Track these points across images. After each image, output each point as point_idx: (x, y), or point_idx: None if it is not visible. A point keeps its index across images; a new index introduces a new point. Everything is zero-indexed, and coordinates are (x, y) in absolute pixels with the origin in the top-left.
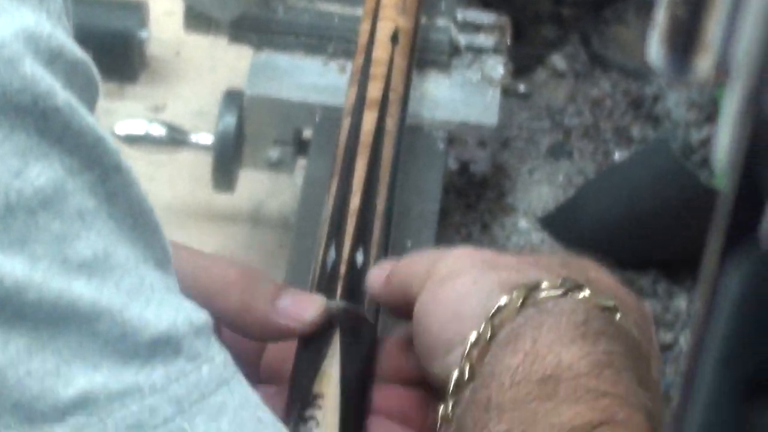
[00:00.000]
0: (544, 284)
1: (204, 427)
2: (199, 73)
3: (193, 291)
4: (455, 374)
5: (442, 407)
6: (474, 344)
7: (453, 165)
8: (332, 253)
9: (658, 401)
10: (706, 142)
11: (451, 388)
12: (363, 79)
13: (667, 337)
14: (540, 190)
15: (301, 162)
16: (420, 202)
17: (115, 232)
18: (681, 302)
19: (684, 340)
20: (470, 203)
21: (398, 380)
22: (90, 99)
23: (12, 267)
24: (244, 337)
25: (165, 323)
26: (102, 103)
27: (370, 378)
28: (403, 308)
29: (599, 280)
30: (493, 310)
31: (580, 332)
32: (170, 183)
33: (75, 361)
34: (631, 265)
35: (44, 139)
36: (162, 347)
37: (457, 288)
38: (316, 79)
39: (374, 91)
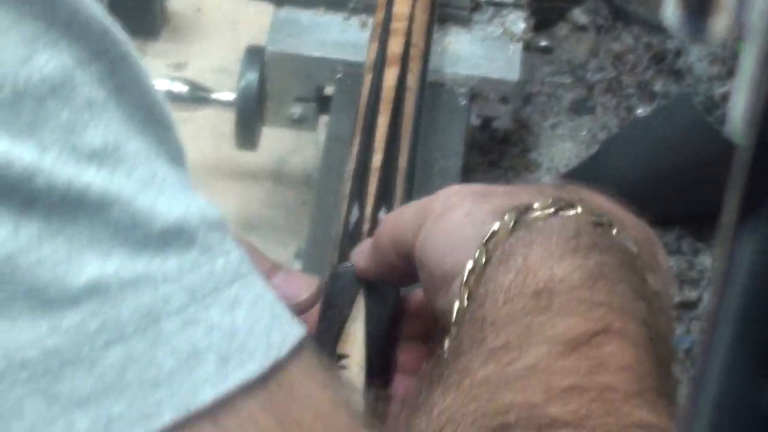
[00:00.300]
0: (536, 205)
1: (219, 318)
2: (221, 30)
3: None
4: (456, 304)
5: (447, 339)
6: (471, 272)
7: (475, 121)
8: (355, 211)
9: (656, 313)
10: (729, 97)
11: (454, 318)
12: (384, 34)
13: (692, 294)
14: (562, 146)
15: (324, 119)
16: (442, 159)
17: (126, 124)
18: (706, 259)
19: (708, 298)
20: (493, 160)
21: (422, 338)
22: None
23: (21, 153)
24: None
25: (178, 213)
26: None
27: (394, 337)
28: (401, 268)
29: (593, 199)
30: (486, 236)
31: (571, 246)
32: (192, 141)
33: (86, 249)
34: (654, 221)
35: (52, 27)
36: (174, 238)
37: (451, 221)
38: (337, 35)
39: (395, 46)
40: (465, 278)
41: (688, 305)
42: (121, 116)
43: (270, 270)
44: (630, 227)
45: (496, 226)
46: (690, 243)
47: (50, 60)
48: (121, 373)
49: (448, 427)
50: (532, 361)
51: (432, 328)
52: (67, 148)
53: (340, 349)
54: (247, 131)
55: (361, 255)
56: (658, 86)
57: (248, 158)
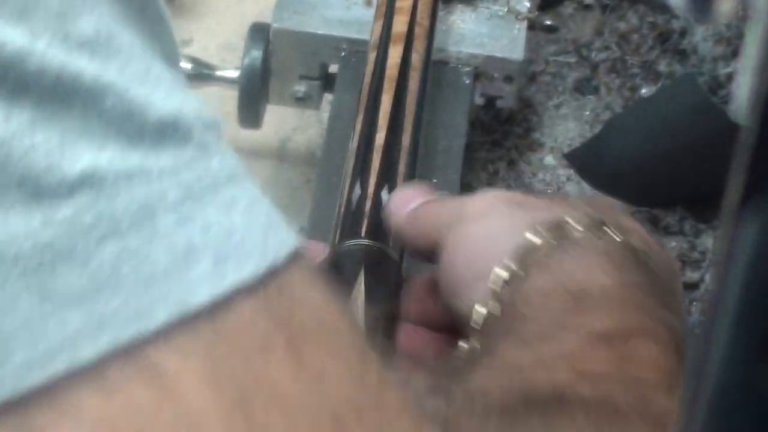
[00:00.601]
0: (573, 222)
1: (215, 216)
2: (226, 7)
3: None
4: (481, 309)
5: (465, 340)
6: (500, 279)
7: (479, 100)
8: (357, 190)
9: (680, 327)
10: (734, 77)
11: (473, 320)
12: (389, 12)
13: (693, 275)
14: (566, 126)
15: (328, 97)
16: (446, 138)
17: (121, 16)
18: (707, 240)
19: (710, 280)
20: (496, 139)
21: (422, 323)
22: None
23: (12, 36)
24: None
25: (173, 108)
26: None
27: (394, 317)
28: (425, 251)
29: (626, 223)
30: (522, 247)
31: (611, 265)
32: None
33: (80, 139)
34: (657, 202)
35: None
36: (170, 132)
37: (487, 225)
38: (342, 13)
39: (400, 25)
40: (493, 284)
41: (690, 286)
42: (116, 8)
43: None
44: (656, 254)
45: (533, 237)
46: (692, 224)
47: None
48: (116, 270)
49: (478, 396)
50: (565, 349)
51: (430, 313)
52: (59, 34)
53: None
54: (251, 109)
55: (399, 213)
56: (662, 66)
57: (252, 136)
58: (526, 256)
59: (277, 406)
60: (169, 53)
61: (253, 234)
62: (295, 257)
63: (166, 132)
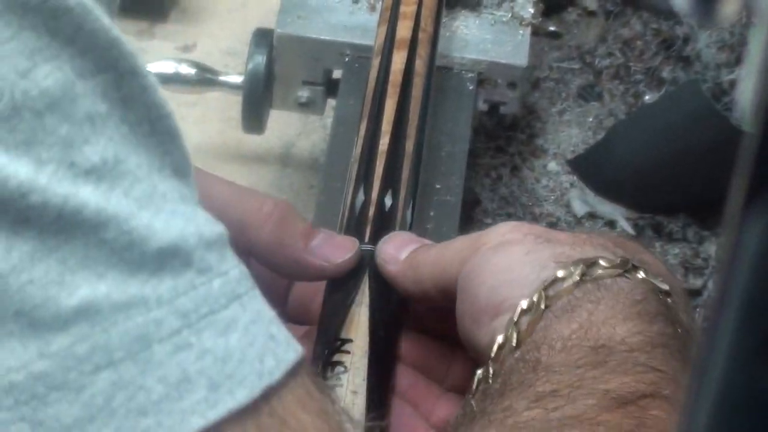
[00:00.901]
0: (602, 262)
1: (211, 342)
2: (229, 12)
3: (225, 221)
4: (500, 339)
5: (481, 370)
6: (524, 311)
7: (483, 106)
8: (361, 195)
9: None
10: (737, 84)
11: (495, 352)
12: (393, 18)
13: (696, 282)
14: (569, 132)
15: (331, 102)
16: (449, 144)
17: (128, 138)
18: (710, 247)
19: (712, 286)
20: (500, 145)
21: (424, 331)
22: (108, 2)
23: (16, 169)
24: (274, 273)
25: (174, 233)
26: (132, 43)
27: (399, 324)
28: (427, 294)
29: (651, 262)
30: (548, 281)
31: (637, 311)
32: (200, 124)
33: (79, 270)
34: (660, 208)
35: (54, 40)
36: (170, 258)
37: (509, 256)
38: (346, 18)
39: (404, 30)
40: (516, 317)
41: (693, 293)
42: (123, 130)
43: (310, 231)
44: (678, 294)
45: (560, 273)
46: (695, 231)
47: (51, 73)
48: (109, 400)
49: None
50: (578, 411)
51: (434, 320)
52: (64, 164)
53: (344, 334)
54: (254, 114)
55: (392, 262)
56: (666, 73)
57: (255, 141)
58: (552, 291)
59: None
60: (178, 166)
61: (249, 357)
62: (292, 373)
63: (167, 259)
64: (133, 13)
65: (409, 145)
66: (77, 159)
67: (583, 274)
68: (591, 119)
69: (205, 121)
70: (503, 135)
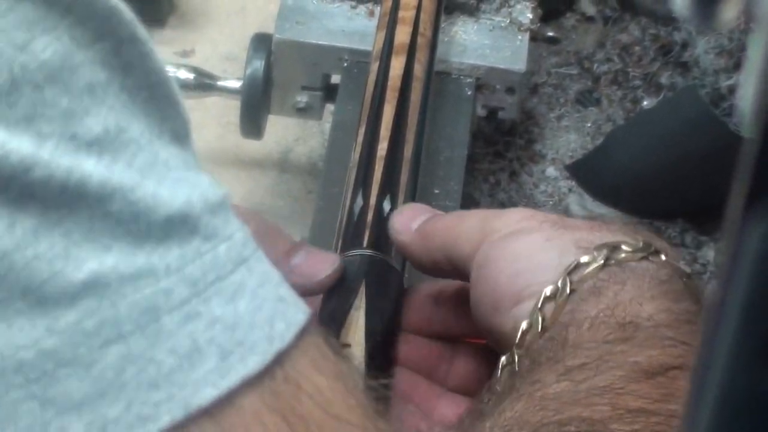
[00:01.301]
0: (625, 246)
1: (220, 309)
2: (228, 17)
3: None
4: (524, 325)
5: (505, 357)
6: (549, 298)
7: (481, 111)
8: (359, 201)
9: None
10: (735, 89)
11: (519, 338)
12: (391, 23)
13: None
14: (568, 137)
15: (329, 108)
16: (448, 149)
17: (129, 106)
18: (709, 252)
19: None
20: (498, 150)
21: (424, 332)
22: None
23: (18, 145)
24: None
25: (180, 201)
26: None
27: (396, 328)
28: (436, 266)
29: (667, 249)
30: (571, 267)
31: (662, 290)
32: (198, 129)
33: (85, 244)
34: (658, 214)
35: (51, 11)
36: (177, 227)
37: (529, 242)
38: (344, 24)
39: (402, 35)
40: (541, 302)
41: None
42: (124, 98)
43: (290, 248)
44: (694, 278)
45: (584, 258)
46: (693, 236)
47: (49, 45)
48: (119, 374)
49: (515, 429)
50: (606, 382)
51: (431, 323)
52: (66, 137)
53: (342, 339)
54: (252, 119)
55: (404, 231)
56: (664, 78)
57: (254, 146)
58: (577, 276)
59: None
60: (178, 132)
61: (259, 320)
62: (302, 335)
63: (173, 227)
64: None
65: (408, 150)
66: (79, 131)
67: (607, 258)
68: (589, 124)
69: (204, 126)
70: (502, 140)
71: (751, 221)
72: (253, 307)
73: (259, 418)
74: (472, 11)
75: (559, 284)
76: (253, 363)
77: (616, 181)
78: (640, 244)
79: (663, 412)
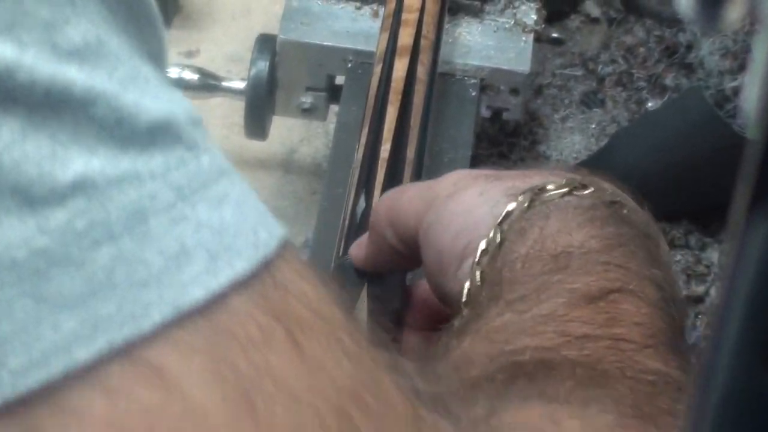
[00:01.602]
0: (550, 186)
1: (206, 214)
2: (233, 18)
3: None
4: (467, 285)
5: (456, 320)
6: (485, 252)
7: (485, 113)
8: (362, 202)
9: (670, 280)
10: (740, 91)
11: (465, 298)
12: (395, 25)
13: (699, 289)
14: (572, 139)
15: (334, 109)
16: (451, 150)
17: (108, 20)
18: (713, 254)
19: (715, 292)
20: (502, 152)
21: (427, 329)
22: None
23: (2, 51)
24: None
25: (163, 111)
26: None
27: (399, 328)
28: (400, 252)
29: (603, 182)
30: (501, 216)
31: (587, 218)
32: None
33: (71, 146)
34: (662, 215)
35: None
36: (161, 134)
37: (463, 201)
38: (348, 25)
39: (406, 37)
40: (478, 258)
41: (695, 300)
42: (104, 12)
43: None
44: (638, 213)
45: (511, 206)
46: (697, 237)
47: None
48: (110, 274)
49: (463, 366)
50: (549, 311)
51: (436, 317)
52: (47, 45)
53: None
54: (257, 120)
55: (359, 246)
56: (669, 80)
57: (258, 147)
58: (507, 225)
59: (281, 398)
60: (155, 53)
61: (244, 228)
62: (284, 247)
63: (157, 134)
64: None
65: (411, 152)
66: (59, 40)
67: (531, 200)
68: (594, 126)
69: (208, 127)
70: (506, 141)
71: (755, 222)
72: (238, 215)
73: (253, 318)
74: (477, 12)
75: (491, 236)
76: (240, 267)
77: (620, 182)
78: (564, 181)
79: (608, 336)
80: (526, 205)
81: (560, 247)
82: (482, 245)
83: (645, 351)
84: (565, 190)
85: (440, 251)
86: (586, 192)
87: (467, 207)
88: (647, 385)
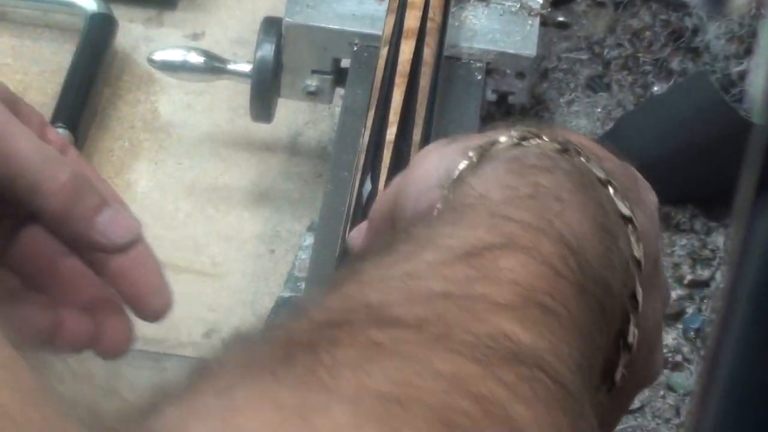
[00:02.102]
0: (502, 138)
1: None
2: (239, 0)
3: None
4: None
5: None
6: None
7: (491, 96)
8: (368, 184)
9: (615, 240)
10: (746, 75)
11: None
12: (401, 8)
13: (704, 273)
14: (578, 123)
15: (339, 91)
16: (458, 133)
17: None
18: (718, 238)
19: (721, 277)
20: None
21: None
22: None
23: None
24: (61, 242)
25: None
26: (140, 31)
27: None
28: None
29: (572, 136)
30: (455, 176)
31: (510, 167)
32: (208, 112)
33: None
34: (668, 199)
35: None
36: None
37: (423, 167)
38: (354, 8)
39: (412, 20)
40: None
41: (700, 284)
42: None
43: (100, 204)
44: (606, 160)
45: (461, 165)
46: (703, 222)
47: None
48: None
49: (304, 323)
50: (411, 267)
51: None
52: None
53: None
54: (262, 103)
55: (357, 237)
56: (675, 64)
57: (264, 130)
58: (452, 181)
59: None
60: None
61: None
62: None
63: None
64: (142, 1)
65: (417, 135)
66: None
67: (480, 156)
68: (599, 110)
69: (214, 110)
70: None
71: (761, 208)
72: None
73: None
74: None
75: (443, 195)
76: None
77: None
78: (520, 134)
79: (465, 296)
80: (475, 160)
81: (470, 199)
82: (440, 205)
83: (506, 313)
84: (515, 141)
85: (406, 219)
86: (535, 142)
87: (426, 171)
88: (483, 348)
